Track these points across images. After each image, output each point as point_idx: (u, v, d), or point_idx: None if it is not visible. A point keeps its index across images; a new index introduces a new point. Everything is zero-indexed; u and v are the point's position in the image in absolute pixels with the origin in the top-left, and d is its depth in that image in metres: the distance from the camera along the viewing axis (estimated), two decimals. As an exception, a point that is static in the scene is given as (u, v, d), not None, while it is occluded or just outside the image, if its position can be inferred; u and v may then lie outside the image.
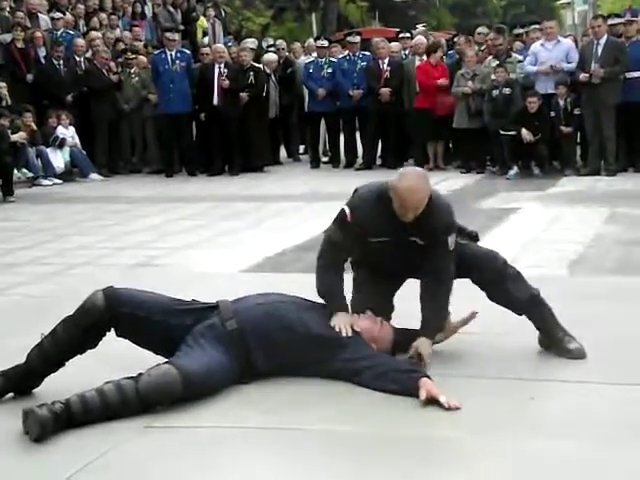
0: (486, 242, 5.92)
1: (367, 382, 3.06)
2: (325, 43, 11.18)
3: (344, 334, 3.14)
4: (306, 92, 11.15)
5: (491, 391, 3.07)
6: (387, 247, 3.25)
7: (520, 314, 3.49)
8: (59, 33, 11.58)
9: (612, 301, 4.22)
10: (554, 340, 3.44)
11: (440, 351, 3.37)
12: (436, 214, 3.21)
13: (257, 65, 10.87)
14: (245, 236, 6.53)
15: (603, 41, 8.98)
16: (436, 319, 3.31)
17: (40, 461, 2.64)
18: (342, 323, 3.18)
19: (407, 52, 10.98)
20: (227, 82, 10.24)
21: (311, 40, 13.53)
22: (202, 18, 14.15)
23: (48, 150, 10.20)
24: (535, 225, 6.55)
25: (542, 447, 2.61)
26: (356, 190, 3.31)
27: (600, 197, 7.78)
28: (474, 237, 3.51)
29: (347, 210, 3.24)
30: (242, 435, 2.78)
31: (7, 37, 10.78)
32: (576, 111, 9.19)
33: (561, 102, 9.29)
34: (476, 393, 3.04)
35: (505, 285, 3.44)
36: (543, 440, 2.65)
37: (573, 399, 2.99)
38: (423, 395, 2.93)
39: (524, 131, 9.06)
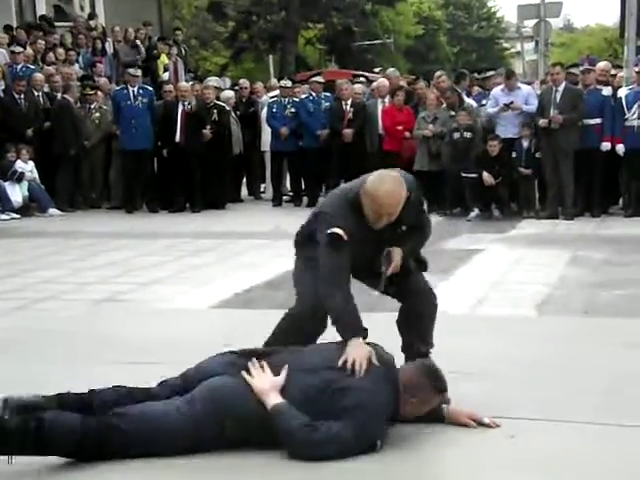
0: (452, 282, 6.04)
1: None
2: (288, 83, 11.31)
3: (357, 369, 2.92)
4: (265, 131, 11.22)
5: (469, 430, 3.09)
6: (355, 247, 3.20)
7: (405, 352, 3.49)
8: (19, 67, 11.50)
9: (582, 341, 4.31)
10: None
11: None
12: (409, 210, 3.24)
13: (220, 103, 10.92)
14: (211, 273, 6.48)
15: (561, 88, 9.21)
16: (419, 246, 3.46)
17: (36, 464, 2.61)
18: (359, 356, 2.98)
19: (367, 94, 11.15)
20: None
21: (274, 79, 13.66)
22: (163, 55, 14.19)
23: (6, 184, 10.04)
24: (499, 266, 6.63)
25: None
26: (321, 213, 3.24)
27: (560, 240, 7.92)
28: (424, 266, 3.54)
29: (339, 231, 3.13)
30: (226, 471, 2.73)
31: (-35, 71, 10.64)
32: (537, 155, 9.41)
33: (525, 143, 9.50)
34: (455, 431, 3.05)
35: (427, 323, 3.50)
36: (523, 478, 2.67)
37: (552, 438, 3.02)
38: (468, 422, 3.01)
39: (485, 174, 9.23)
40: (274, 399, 2.85)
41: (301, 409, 2.84)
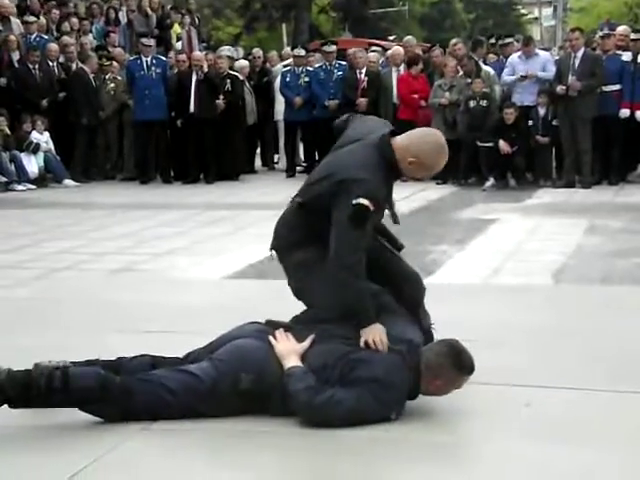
0: (468, 252, 6.03)
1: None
2: (302, 52, 11.20)
3: (381, 348, 2.90)
4: (278, 101, 11.16)
5: (485, 398, 3.08)
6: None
7: None
8: (32, 37, 11.45)
9: (599, 309, 4.28)
10: None
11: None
12: None
13: (234, 73, 10.86)
14: (225, 244, 6.49)
15: (580, 54, 9.09)
16: None
17: (37, 464, 2.62)
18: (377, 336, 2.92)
19: (383, 62, 11.04)
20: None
21: (287, 48, 13.54)
22: (176, 25, 14.11)
23: (22, 155, 10.07)
24: (515, 236, 6.59)
25: (538, 453, 2.63)
26: (346, 180, 2.92)
27: (578, 209, 7.86)
28: (399, 247, 3.36)
29: (365, 202, 2.88)
30: (239, 437, 2.77)
31: (-22, 40, 10.62)
32: (554, 122, 9.31)
33: (541, 111, 9.39)
34: (470, 400, 3.04)
35: (422, 305, 3.35)
36: (539, 446, 2.68)
37: (568, 405, 3.02)
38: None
39: (502, 142, 9.15)
40: (292, 362, 2.89)
41: (318, 375, 2.86)
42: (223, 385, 2.86)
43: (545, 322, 4.03)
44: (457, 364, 2.90)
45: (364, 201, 2.89)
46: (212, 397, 2.85)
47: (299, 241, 3.10)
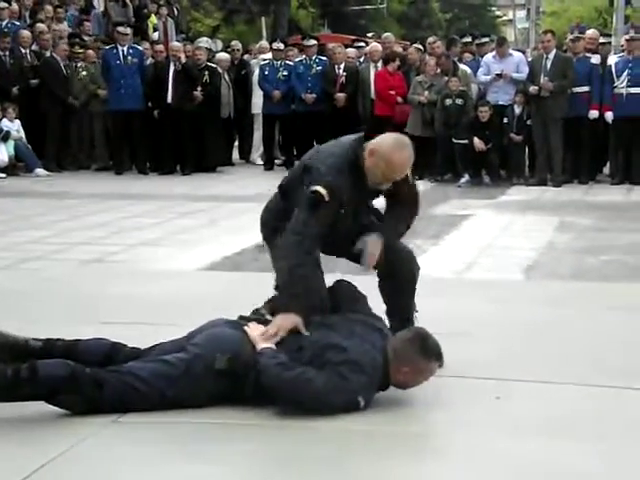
0: (442, 247, 6.07)
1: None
2: (281, 46, 11.20)
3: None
4: (256, 94, 11.14)
5: (457, 390, 3.12)
6: (348, 214, 3.08)
7: (390, 316, 3.36)
8: (4, 23, 11.26)
9: (569, 305, 4.35)
10: None
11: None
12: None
13: (212, 65, 10.83)
14: (201, 235, 6.48)
15: (552, 56, 9.22)
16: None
17: (5, 455, 2.59)
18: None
19: (362, 59, 11.08)
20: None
21: (264, 41, 13.53)
22: (153, 15, 14.01)
23: (-9, 143, 9.92)
24: (488, 232, 6.67)
25: (507, 445, 2.66)
26: (311, 167, 3.02)
27: (549, 206, 7.97)
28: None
29: (322, 190, 2.95)
30: (211, 430, 2.77)
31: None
32: (528, 122, 9.42)
33: (517, 110, 9.49)
34: (442, 392, 3.08)
35: (412, 290, 3.40)
36: (508, 439, 2.71)
37: (537, 399, 3.06)
38: None
39: (476, 140, 9.23)
40: (265, 345, 2.91)
41: (291, 356, 2.89)
42: (198, 367, 2.86)
43: (516, 317, 4.08)
44: (423, 349, 2.93)
45: (320, 189, 2.95)
46: (186, 380, 2.85)
47: (280, 226, 3.13)
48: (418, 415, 2.94)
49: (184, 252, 5.83)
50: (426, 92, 9.82)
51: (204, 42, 11.76)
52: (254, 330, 2.98)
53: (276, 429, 2.79)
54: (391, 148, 3.03)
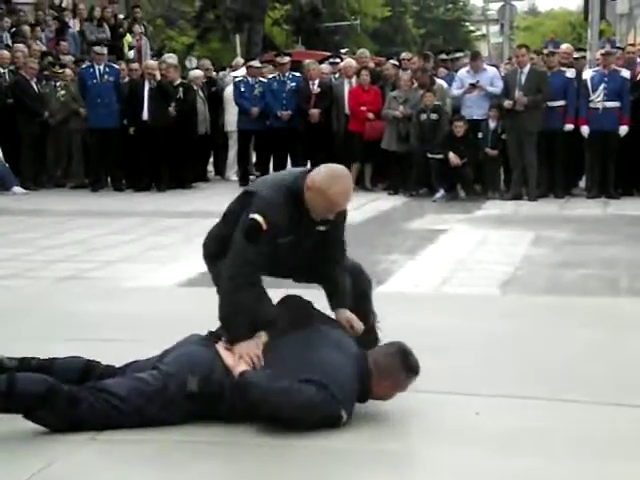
0: (418, 261, 6.10)
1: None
2: (257, 64, 11.27)
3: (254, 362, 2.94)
4: (229, 111, 11.17)
5: (433, 405, 3.13)
6: (291, 244, 3.05)
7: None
8: (-18, 45, 11.31)
9: (545, 319, 4.38)
10: None
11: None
12: None
13: (186, 81, 10.88)
14: (177, 251, 6.46)
15: (526, 70, 9.33)
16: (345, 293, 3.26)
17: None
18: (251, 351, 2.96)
19: (337, 75, 11.14)
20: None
21: (239, 58, 13.58)
22: (128, 34, 14.04)
23: (-32, 162, 9.89)
24: (464, 246, 6.71)
25: (491, 462, 2.67)
26: (254, 193, 3.03)
27: (524, 221, 8.03)
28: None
29: (260, 219, 2.94)
30: (188, 448, 2.76)
31: None
32: (503, 136, 9.51)
33: (492, 124, 9.58)
34: (418, 408, 3.08)
35: (370, 298, 3.43)
36: (490, 455, 2.72)
37: (515, 414, 3.07)
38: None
39: (451, 154, 9.30)
40: (243, 367, 2.91)
41: (274, 372, 2.89)
42: (171, 388, 2.86)
43: (492, 331, 4.10)
44: (405, 365, 2.95)
45: (259, 218, 2.95)
46: (161, 400, 2.85)
47: (219, 252, 3.13)
48: (397, 432, 2.93)
49: (160, 268, 5.82)
50: (401, 107, 9.88)
51: (170, 58, 11.77)
52: (228, 358, 2.96)
53: (254, 447, 2.78)
54: (327, 182, 2.98)
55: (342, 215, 3.17)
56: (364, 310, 3.34)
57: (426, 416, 3.04)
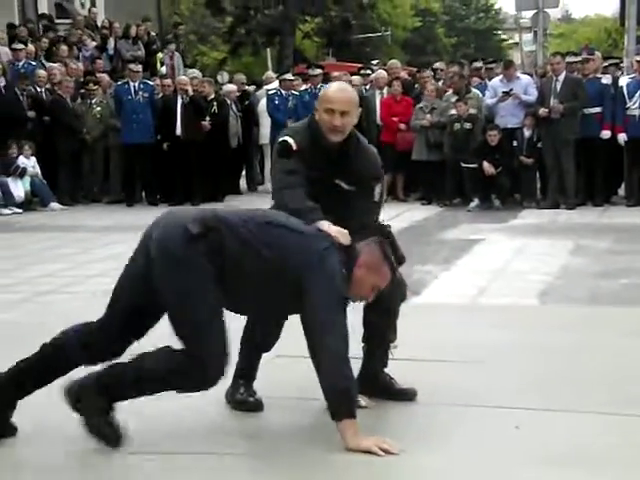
0: (454, 272, 6.03)
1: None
2: (290, 77, 11.34)
3: (344, 240, 2.85)
4: (263, 124, 11.22)
5: (475, 419, 3.08)
6: (317, 187, 3.03)
7: (366, 339, 3.26)
8: (20, 64, 11.53)
9: (585, 330, 4.30)
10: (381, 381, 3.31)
11: (419, 380, 3.36)
12: (365, 156, 3.14)
13: (220, 95, 11.00)
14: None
15: (562, 78, 9.23)
16: None
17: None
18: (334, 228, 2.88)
19: (368, 86, 11.14)
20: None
21: (270, 72, 13.66)
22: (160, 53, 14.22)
23: (9, 180, 10.09)
24: (500, 256, 6.62)
25: (530, 476, 2.61)
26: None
27: (562, 230, 7.91)
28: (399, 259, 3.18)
29: (289, 139, 3.06)
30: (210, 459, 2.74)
31: (-32, 69, 10.69)
32: (539, 144, 9.41)
33: (527, 133, 9.49)
34: (460, 422, 3.04)
35: (395, 316, 3.30)
36: (530, 469, 2.66)
37: (556, 428, 3.00)
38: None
39: (485, 164, 9.23)
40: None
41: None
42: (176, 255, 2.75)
43: (532, 343, 4.03)
44: (383, 247, 2.90)
45: (288, 139, 3.08)
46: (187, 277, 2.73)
47: None
48: (436, 446, 2.88)
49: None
50: (428, 115, 9.87)
51: (194, 73, 11.91)
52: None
53: (282, 457, 2.76)
54: (323, 89, 3.26)
55: (367, 182, 3.11)
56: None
57: (466, 430, 2.98)
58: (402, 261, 3.16)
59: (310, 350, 2.77)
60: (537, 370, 3.63)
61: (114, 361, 2.87)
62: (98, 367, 2.87)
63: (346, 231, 2.88)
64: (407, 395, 3.28)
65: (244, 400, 3.21)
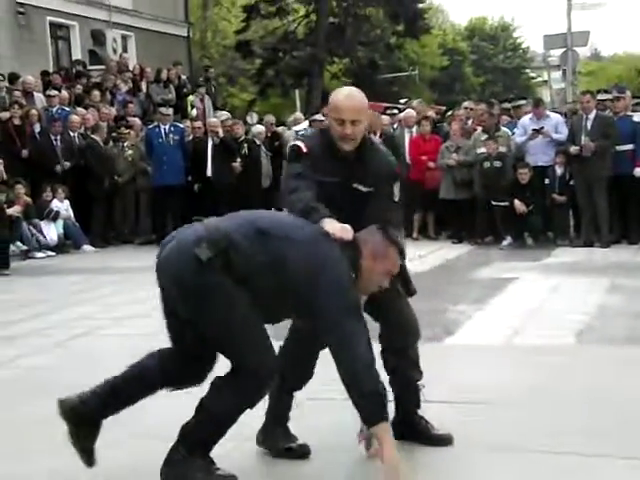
0: (487, 312, 5.95)
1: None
2: (320, 117, 11.40)
3: (345, 236, 2.79)
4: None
5: (513, 466, 2.98)
6: (334, 191, 2.99)
7: (392, 383, 3.16)
8: (54, 109, 11.79)
9: (625, 371, 4.20)
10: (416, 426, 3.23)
11: (455, 423, 3.29)
12: (379, 157, 3.10)
13: (250, 137, 11.11)
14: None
15: (592, 116, 9.19)
16: None
17: None
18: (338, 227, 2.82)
19: (396, 125, 11.19)
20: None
21: (298, 113, 13.79)
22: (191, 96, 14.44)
23: (42, 223, 10.23)
24: (535, 295, 6.52)
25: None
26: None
27: (598, 268, 7.78)
28: (410, 288, 3.15)
29: (299, 143, 3.06)
30: None
31: (4, 115, 10.92)
32: (571, 182, 9.35)
33: (559, 170, 9.44)
34: (498, 469, 2.95)
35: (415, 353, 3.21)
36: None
37: (601, 474, 2.91)
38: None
39: (517, 202, 9.17)
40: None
41: None
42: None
43: (571, 384, 3.95)
44: (385, 232, 2.86)
45: (298, 142, 3.09)
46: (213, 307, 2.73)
47: None
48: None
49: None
50: (454, 155, 9.90)
51: (224, 115, 12.06)
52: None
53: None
54: (332, 94, 3.11)
55: (385, 182, 3.08)
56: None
57: (506, 477, 2.89)
58: (413, 293, 3.13)
59: (336, 360, 2.72)
60: (577, 412, 3.54)
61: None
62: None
63: (349, 226, 2.83)
64: (443, 441, 3.20)
65: (289, 447, 3.15)
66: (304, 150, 3.02)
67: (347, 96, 3.04)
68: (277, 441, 3.15)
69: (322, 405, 3.53)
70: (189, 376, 2.90)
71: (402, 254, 2.91)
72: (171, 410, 3.10)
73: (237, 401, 2.74)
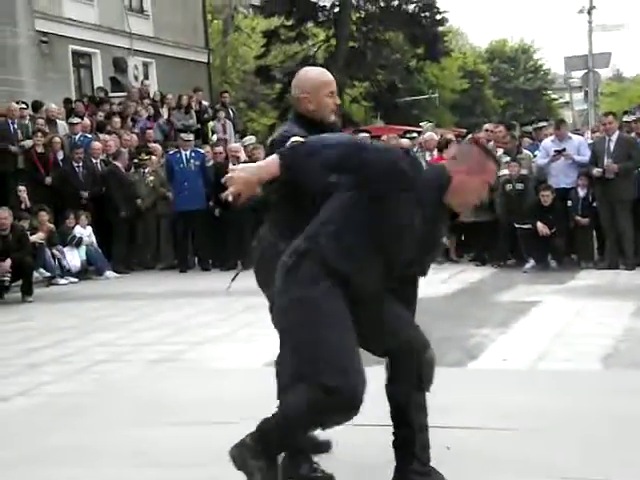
0: (511, 335, 5.89)
1: None
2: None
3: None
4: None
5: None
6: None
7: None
8: (77, 137, 11.94)
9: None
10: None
11: (479, 449, 3.24)
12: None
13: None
14: (265, 330, 6.40)
15: (615, 137, 9.13)
16: None
17: None
18: None
19: (416, 149, 11.18)
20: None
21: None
22: (212, 120, 14.55)
23: (65, 249, 10.31)
24: (560, 318, 6.44)
25: None
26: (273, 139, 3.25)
27: (623, 291, 7.69)
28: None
29: (297, 138, 3.04)
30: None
31: (28, 143, 11.08)
32: (594, 204, 9.27)
33: (582, 192, 9.37)
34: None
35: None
36: None
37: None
38: None
39: (540, 224, 9.11)
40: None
41: None
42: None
43: (598, 410, 3.88)
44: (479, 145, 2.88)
45: (298, 138, 3.04)
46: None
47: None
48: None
49: (250, 347, 5.79)
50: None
51: (248, 140, 12.11)
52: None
53: None
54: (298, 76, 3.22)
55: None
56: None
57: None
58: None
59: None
60: (605, 439, 3.47)
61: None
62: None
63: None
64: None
65: (312, 477, 3.11)
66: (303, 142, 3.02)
67: (322, 71, 3.26)
68: (296, 467, 3.12)
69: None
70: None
71: (498, 164, 2.99)
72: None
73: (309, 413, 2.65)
